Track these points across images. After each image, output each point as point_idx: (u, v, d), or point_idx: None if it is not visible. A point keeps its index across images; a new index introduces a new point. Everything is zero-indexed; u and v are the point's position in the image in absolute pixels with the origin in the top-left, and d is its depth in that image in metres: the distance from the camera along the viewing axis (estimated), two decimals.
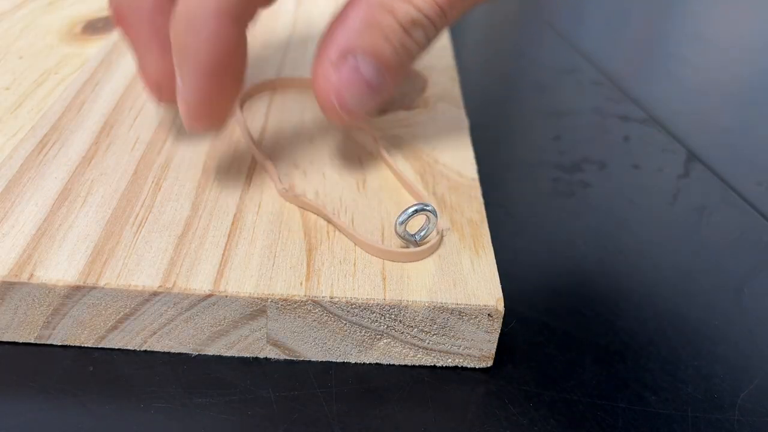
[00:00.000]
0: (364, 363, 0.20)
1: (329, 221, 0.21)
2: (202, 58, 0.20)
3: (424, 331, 0.19)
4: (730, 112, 0.37)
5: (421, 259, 0.20)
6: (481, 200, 0.23)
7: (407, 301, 0.19)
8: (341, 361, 0.20)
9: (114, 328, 0.19)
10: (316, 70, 0.21)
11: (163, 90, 0.23)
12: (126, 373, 0.19)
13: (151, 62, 0.23)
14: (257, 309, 0.19)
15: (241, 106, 0.27)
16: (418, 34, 0.21)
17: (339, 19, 0.21)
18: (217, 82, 0.20)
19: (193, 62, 0.20)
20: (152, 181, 0.23)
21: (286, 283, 0.19)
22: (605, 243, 0.26)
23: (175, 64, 0.20)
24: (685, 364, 0.21)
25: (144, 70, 0.23)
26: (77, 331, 0.19)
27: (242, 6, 0.20)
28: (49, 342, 0.20)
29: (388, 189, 0.23)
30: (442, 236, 0.21)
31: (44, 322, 0.19)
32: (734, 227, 0.27)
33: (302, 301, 0.19)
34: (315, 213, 0.22)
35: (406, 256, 0.20)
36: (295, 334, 0.19)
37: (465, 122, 0.28)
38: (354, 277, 0.19)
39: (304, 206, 0.22)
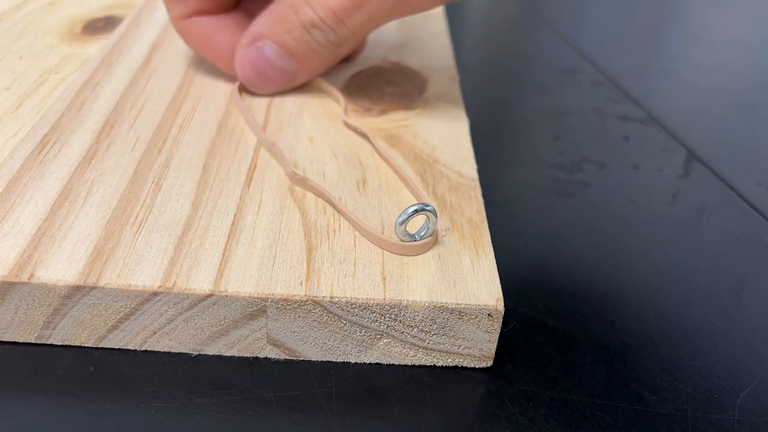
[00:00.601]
0: (364, 363, 0.20)
1: (333, 206, 0.22)
2: (196, 47, 0.29)
3: (424, 331, 0.19)
4: (730, 112, 0.37)
5: (421, 253, 0.20)
6: (481, 200, 0.23)
7: (407, 301, 0.19)
8: (341, 361, 0.20)
9: (114, 328, 0.19)
10: (236, 50, 0.27)
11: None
12: (126, 373, 0.19)
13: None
14: (257, 309, 0.19)
15: (240, 92, 0.28)
16: (317, 34, 0.25)
17: (262, 14, 0.26)
18: (223, 58, 0.28)
19: (202, 55, 0.29)
20: (152, 181, 0.23)
21: (286, 283, 0.19)
22: (605, 243, 0.26)
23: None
24: (685, 364, 0.21)
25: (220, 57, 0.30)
26: (77, 331, 0.19)
27: (195, 5, 0.27)
28: (49, 342, 0.20)
29: (388, 189, 0.23)
30: (439, 230, 0.21)
31: (44, 322, 0.19)
32: (734, 227, 0.27)
33: (302, 301, 0.19)
34: (320, 196, 0.22)
35: (406, 249, 0.20)
36: (295, 334, 0.19)
37: (465, 122, 0.28)
38: (354, 277, 0.19)
39: (310, 189, 0.23)
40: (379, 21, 0.25)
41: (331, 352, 0.20)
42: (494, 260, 0.20)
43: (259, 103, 0.28)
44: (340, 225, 0.21)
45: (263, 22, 0.26)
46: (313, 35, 0.25)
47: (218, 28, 0.28)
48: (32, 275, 0.19)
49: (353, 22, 0.25)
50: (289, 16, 0.25)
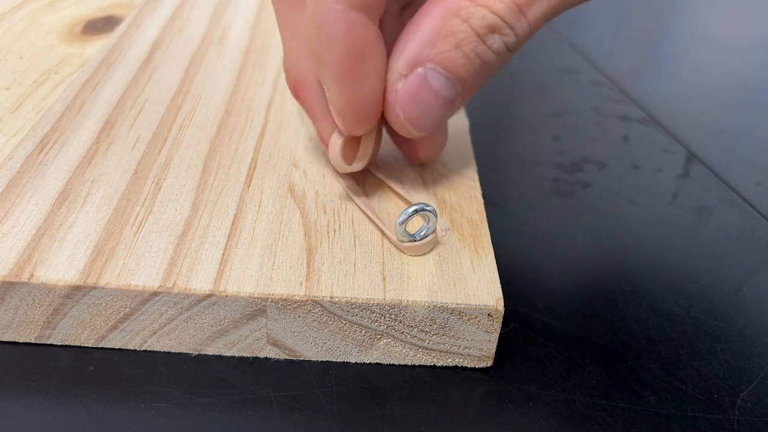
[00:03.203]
0: (364, 363, 0.20)
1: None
2: (336, 54, 0.19)
3: (424, 331, 0.19)
4: (730, 112, 0.37)
5: (422, 253, 0.20)
6: (481, 200, 0.23)
7: (407, 301, 0.19)
8: (341, 361, 0.20)
9: (114, 328, 0.19)
10: (389, 82, 0.20)
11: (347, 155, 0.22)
12: (126, 373, 0.19)
13: (329, 128, 0.22)
14: (257, 309, 0.19)
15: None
16: (495, 42, 0.19)
17: (410, 28, 0.20)
18: (358, 80, 0.19)
19: (331, 63, 0.19)
20: (152, 181, 0.23)
21: (286, 283, 0.19)
22: (605, 243, 0.26)
23: (318, 72, 0.20)
24: (685, 364, 0.21)
25: (324, 137, 0.23)
26: (77, 331, 0.19)
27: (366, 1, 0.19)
28: (49, 342, 0.20)
29: (388, 189, 0.23)
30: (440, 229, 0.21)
31: (44, 322, 0.19)
32: (734, 227, 0.27)
33: (302, 301, 0.19)
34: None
35: (406, 249, 0.20)
36: (295, 334, 0.19)
37: (465, 122, 0.28)
38: (354, 277, 0.19)
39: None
40: (560, 8, 0.19)
41: (331, 352, 0.20)
42: (494, 260, 0.20)
43: (259, 104, 0.28)
44: (340, 225, 0.21)
45: (419, 40, 0.19)
46: (490, 43, 0.19)
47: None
48: (32, 275, 0.19)
49: (535, 13, 0.19)
50: (454, 26, 0.19)
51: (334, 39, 0.19)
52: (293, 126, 0.27)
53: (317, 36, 0.19)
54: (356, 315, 0.19)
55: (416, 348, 0.20)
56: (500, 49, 0.19)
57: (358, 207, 0.22)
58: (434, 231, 0.20)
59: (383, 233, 0.21)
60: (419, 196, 0.23)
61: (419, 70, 0.19)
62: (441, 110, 0.20)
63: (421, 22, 0.19)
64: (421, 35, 0.19)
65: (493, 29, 0.19)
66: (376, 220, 0.21)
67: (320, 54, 0.19)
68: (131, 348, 0.20)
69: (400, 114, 0.20)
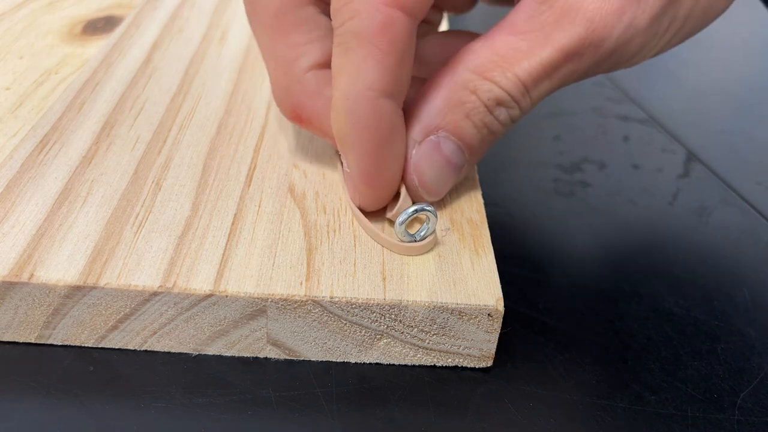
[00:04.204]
0: (364, 363, 0.20)
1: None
2: (364, 138, 0.20)
3: (424, 331, 0.19)
4: (730, 112, 0.37)
5: (422, 253, 0.20)
6: (481, 200, 0.23)
7: (407, 301, 0.19)
8: (341, 361, 0.20)
9: (114, 328, 0.19)
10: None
11: None
12: (126, 373, 0.19)
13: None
14: (257, 309, 0.19)
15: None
16: (501, 114, 0.20)
17: (422, 98, 0.21)
18: (381, 161, 0.20)
19: (358, 147, 0.20)
20: (152, 181, 0.23)
21: (286, 283, 0.19)
22: (605, 243, 0.26)
23: (340, 149, 0.20)
24: (685, 364, 0.21)
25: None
26: (77, 331, 0.19)
27: (394, 84, 0.19)
28: (49, 342, 0.20)
29: None
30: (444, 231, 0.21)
31: (44, 322, 0.19)
32: (734, 227, 0.27)
33: (302, 301, 0.19)
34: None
35: (407, 249, 0.20)
36: (295, 334, 0.19)
37: None
38: (354, 277, 0.19)
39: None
40: (562, 86, 0.21)
41: (331, 352, 0.20)
42: (494, 260, 0.20)
43: (259, 104, 0.28)
44: (340, 225, 0.21)
45: (432, 109, 0.20)
46: (497, 114, 0.20)
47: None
48: (32, 275, 0.19)
49: (539, 92, 0.20)
50: (464, 96, 0.20)
51: (365, 125, 0.19)
52: (293, 126, 0.27)
53: (347, 120, 0.19)
54: (356, 315, 0.19)
55: (416, 348, 0.19)
56: (506, 120, 0.21)
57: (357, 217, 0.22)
58: (434, 231, 0.20)
59: (381, 242, 0.21)
60: None
61: (432, 137, 0.21)
62: (451, 175, 0.21)
63: (432, 93, 0.20)
64: (433, 105, 0.20)
65: (499, 102, 0.20)
66: (373, 228, 0.21)
67: (347, 136, 0.20)
68: (131, 348, 0.20)
69: (414, 179, 0.21)
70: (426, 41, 0.24)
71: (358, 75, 0.19)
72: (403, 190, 0.21)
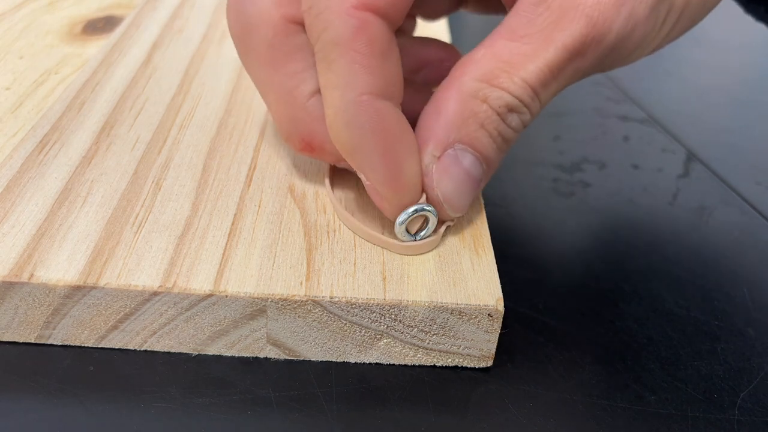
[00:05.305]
0: (364, 363, 0.20)
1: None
2: (373, 144, 0.19)
3: (424, 331, 0.19)
4: (730, 112, 0.37)
5: (424, 252, 0.20)
6: (481, 200, 0.23)
7: (407, 301, 0.19)
8: (341, 361, 0.20)
9: (114, 328, 0.19)
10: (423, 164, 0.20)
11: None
12: (126, 373, 0.19)
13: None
14: (257, 309, 0.19)
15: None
16: (513, 120, 0.20)
17: (432, 112, 0.20)
18: (398, 162, 0.20)
19: (368, 154, 0.19)
20: (152, 181, 0.23)
21: (286, 283, 0.19)
22: (605, 243, 0.26)
23: (352, 164, 0.20)
24: (685, 364, 0.21)
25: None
26: (77, 331, 0.19)
27: (385, 84, 0.19)
28: (49, 342, 0.20)
29: None
30: (444, 226, 0.21)
31: (44, 322, 0.19)
32: (734, 227, 0.27)
33: (302, 301, 0.19)
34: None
35: (407, 248, 0.20)
36: (295, 334, 0.19)
37: None
38: (354, 277, 0.19)
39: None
40: (568, 85, 0.20)
41: (331, 352, 0.20)
42: (494, 260, 0.20)
43: (260, 104, 0.28)
44: (340, 225, 0.21)
45: (445, 123, 0.20)
46: (509, 121, 0.20)
47: None
48: (32, 275, 0.19)
49: (547, 94, 0.20)
50: (475, 106, 0.19)
51: (370, 131, 0.19)
52: None
53: (350, 133, 0.19)
54: (356, 315, 0.19)
55: (416, 348, 0.20)
56: (518, 126, 0.20)
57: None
58: (434, 231, 0.20)
59: (380, 243, 0.21)
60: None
61: (450, 151, 0.20)
62: (473, 188, 0.21)
63: (442, 107, 0.20)
64: (445, 119, 0.20)
65: (511, 109, 0.20)
66: (370, 231, 0.21)
67: (356, 149, 0.19)
68: (131, 348, 0.20)
69: (438, 195, 0.20)
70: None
71: (348, 84, 0.18)
72: None
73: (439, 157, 0.20)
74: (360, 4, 0.18)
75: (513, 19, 0.20)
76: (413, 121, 0.20)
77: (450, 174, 0.20)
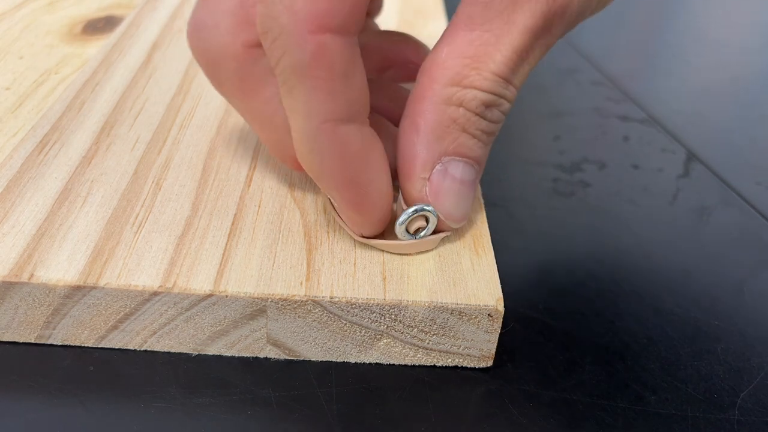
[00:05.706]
0: (364, 363, 0.20)
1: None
2: (336, 171, 0.19)
3: (424, 331, 0.19)
4: (730, 112, 0.37)
5: (426, 249, 0.20)
6: (481, 200, 0.23)
7: (407, 301, 0.19)
8: (341, 361, 0.20)
9: (114, 328, 0.19)
10: (409, 191, 0.20)
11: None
12: (126, 373, 0.19)
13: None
14: (257, 309, 0.19)
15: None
16: (493, 114, 0.19)
17: (410, 127, 0.19)
18: (363, 186, 0.19)
19: (334, 180, 0.19)
20: (152, 181, 0.23)
21: (286, 283, 0.19)
22: (605, 243, 0.26)
23: (320, 187, 0.20)
24: (685, 364, 0.21)
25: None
26: (77, 331, 0.19)
27: (348, 107, 0.18)
28: (49, 342, 0.20)
29: None
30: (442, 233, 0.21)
31: (44, 322, 0.19)
32: (734, 227, 0.27)
33: (302, 301, 0.19)
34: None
35: (408, 247, 0.20)
36: (295, 334, 0.19)
37: None
38: (354, 277, 0.19)
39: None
40: (540, 58, 0.20)
41: (331, 352, 0.20)
42: (494, 260, 0.20)
43: None
44: (339, 225, 0.21)
45: (426, 140, 0.19)
46: (489, 117, 0.19)
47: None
48: (32, 275, 0.19)
49: (520, 78, 0.19)
50: (452, 113, 0.19)
51: (330, 158, 0.18)
52: None
53: (314, 159, 0.19)
54: (356, 315, 0.19)
55: (416, 348, 0.20)
56: (498, 118, 0.20)
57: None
58: (434, 231, 0.20)
59: (380, 245, 0.21)
60: None
61: (438, 167, 0.19)
62: (470, 194, 0.20)
63: (420, 121, 0.19)
64: (426, 134, 0.19)
65: (488, 105, 0.19)
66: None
67: (321, 174, 0.19)
68: (131, 348, 0.20)
69: (439, 214, 0.20)
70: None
71: (309, 112, 0.18)
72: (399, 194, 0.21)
73: (428, 178, 0.20)
74: (315, 27, 0.17)
75: (468, 6, 0.19)
76: (382, 115, 0.20)
77: (444, 191, 0.20)
